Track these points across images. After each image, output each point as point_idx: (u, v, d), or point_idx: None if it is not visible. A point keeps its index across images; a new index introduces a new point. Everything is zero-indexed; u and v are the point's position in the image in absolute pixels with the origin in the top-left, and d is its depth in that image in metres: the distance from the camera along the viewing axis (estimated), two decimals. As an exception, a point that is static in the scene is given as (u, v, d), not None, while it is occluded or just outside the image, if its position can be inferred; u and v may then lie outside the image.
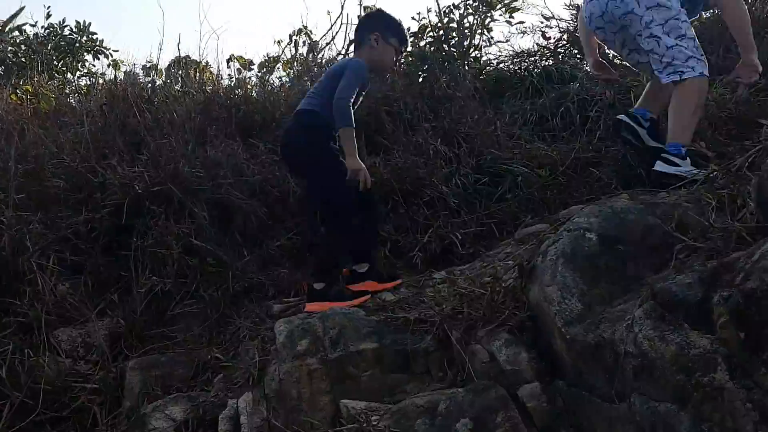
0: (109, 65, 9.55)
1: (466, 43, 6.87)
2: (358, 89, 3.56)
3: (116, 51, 9.68)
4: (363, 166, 3.46)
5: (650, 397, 1.84)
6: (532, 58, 6.94)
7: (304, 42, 8.59)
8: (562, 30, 7.23)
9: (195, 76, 7.30)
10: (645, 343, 1.85)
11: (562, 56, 6.94)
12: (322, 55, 8.22)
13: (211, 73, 7.61)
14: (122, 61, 9.19)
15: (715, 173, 2.87)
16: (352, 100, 3.47)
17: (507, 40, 7.48)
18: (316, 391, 2.61)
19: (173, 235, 3.81)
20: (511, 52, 7.12)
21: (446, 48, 6.78)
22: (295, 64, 8.23)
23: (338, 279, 3.51)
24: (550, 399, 2.24)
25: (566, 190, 4.15)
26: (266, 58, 8.53)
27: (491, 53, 7.16)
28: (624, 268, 2.45)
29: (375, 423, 2.27)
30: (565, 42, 7.14)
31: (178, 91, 5.80)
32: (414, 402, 2.32)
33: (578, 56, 6.94)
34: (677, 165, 3.33)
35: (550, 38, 7.18)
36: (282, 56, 8.42)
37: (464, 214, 4.10)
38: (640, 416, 1.86)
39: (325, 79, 3.70)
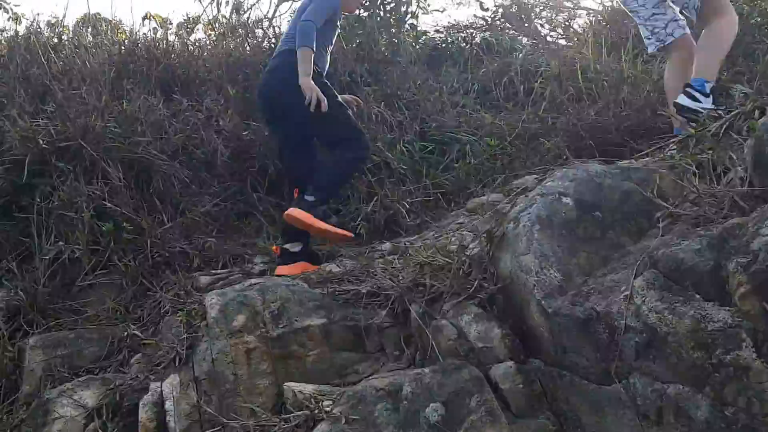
0: (9, 19, 8.65)
1: (402, 9, 6.57)
2: (327, 18, 3.39)
3: (17, 5, 8.76)
4: (315, 86, 3.23)
5: (657, 377, 1.61)
6: (470, 30, 6.73)
7: (227, 1, 8.06)
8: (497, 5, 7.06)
9: (107, 33, 6.67)
10: (651, 316, 1.62)
11: (500, 28, 6.75)
12: (248, 16, 7.72)
13: (124, 31, 7.00)
14: (24, 15, 8.33)
15: (690, 137, 2.69)
16: (319, 24, 3.29)
17: (443, 10, 7.27)
18: (256, 373, 2.27)
19: (83, 196, 3.33)
20: (448, 24, 6.91)
21: (382, 14, 6.45)
22: (216, 25, 7.69)
23: (330, 197, 3.35)
24: (527, 380, 1.99)
25: (516, 160, 3.94)
26: (186, 17, 7.92)
27: (427, 22, 6.92)
28: (603, 236, 2.23)
29: (328, 409, 1.95)
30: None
31: (90, 41, 5.20)
32: (372, 384, 2.02)
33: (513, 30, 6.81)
34: (698, 101, 3.11)
35: (487, 9, 6.98)
36: (203, 16, 7.85)
37: (410, 183, 3.81)
38: (642, 399, 1.64)
39: (298, 15, 3.43)
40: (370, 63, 5.16)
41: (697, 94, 3.11)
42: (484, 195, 3.55)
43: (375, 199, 3.67)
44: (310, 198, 3.17)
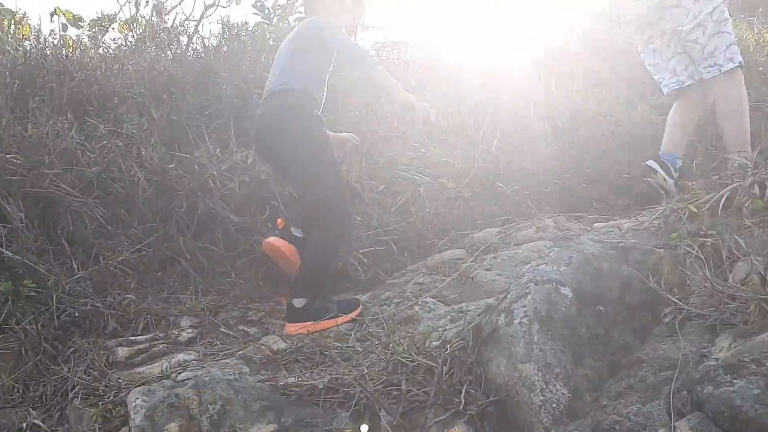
0: None
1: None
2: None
3: None
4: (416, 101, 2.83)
5: None
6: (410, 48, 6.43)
7: (147, 1, 7.43)
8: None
9: (9, 28, 5.95)
10: (709, 482, 1.32)
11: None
12: (172, 18, 7.13)
13: (29, 26, 6.28)
14: None
15: (682, 209, 2.45)
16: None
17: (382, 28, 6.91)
18: (192, 501, 1.84)
19: (-28, 243, 2.77)
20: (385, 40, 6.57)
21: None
22: (135, 25, 7.05)
23: (323, 292, 2.82)
24: None
25: (474, 208, 3.63)
26: (100, 15, 7.24)
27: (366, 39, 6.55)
28: (607, 335, 1.95)
29: None
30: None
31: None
32: None
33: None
34: None
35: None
36: (119, 15, 7.20)
37: (359, 229, 3.43)
38: None
39: (290, 47, 2.99)
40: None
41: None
42: (443, 248, 3.22)
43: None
44: (299, 304, 2.74)
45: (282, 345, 2.53)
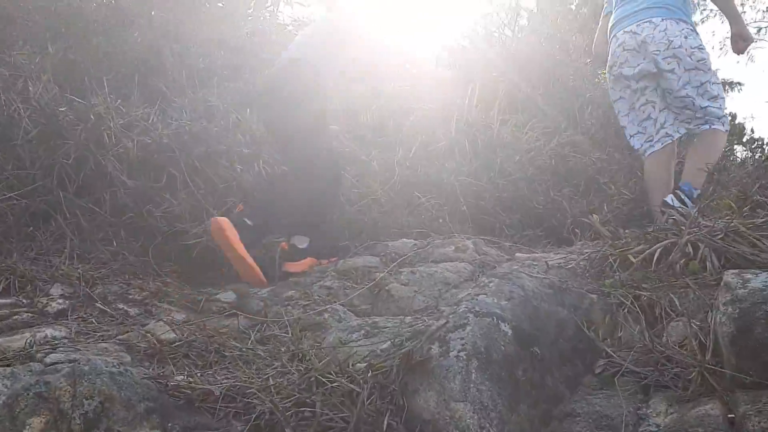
0: None
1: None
2: None
3: None
4: None
5: None
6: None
7: None
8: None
9: None
10: None
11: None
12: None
13: None
14: None
15: (614, 255, 2.40)
16: None
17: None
18: None
19: None
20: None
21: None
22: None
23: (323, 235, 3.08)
24: None
25: (389, 216, 3.45)
26: None
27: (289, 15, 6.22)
28: (542, 381, 1.83)
29: None
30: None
31: None
32: None
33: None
34: (686, 205, 3.16)
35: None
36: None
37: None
38: None
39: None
40: (227, 50, 4.40)
41: (686, 199, 3.20)
42: (356, 253, 3.02)
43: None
44: (302, 244, 3.00)
45: (171, 335, 2.22)
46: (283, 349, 2.08)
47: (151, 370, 1.98)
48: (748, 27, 3.75)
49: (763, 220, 2.35)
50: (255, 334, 2.31)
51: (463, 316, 1.85)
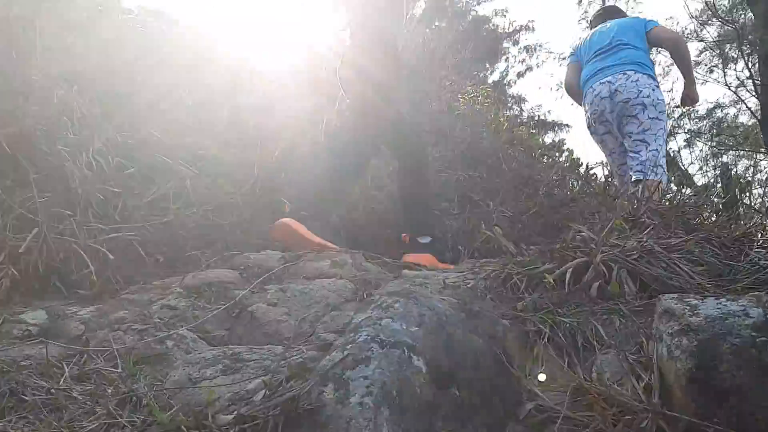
0: None
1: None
2: None
3: None
4: None
5: None
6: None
7: None
8: None
9: None
10: None
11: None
12: None
13: None
14: None
15: (520, 275, 2.07)
16: None
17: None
18: None
19: None
20: None
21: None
22: None
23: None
24: None
25: (247, 221, 2.93)
26: None
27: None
28: (462, 429, 1.42)
29: None
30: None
31: None
32: None
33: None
34: None
35: None
36: None
37: (95, 217, 2.51)
38: None
39: None
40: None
41: None
42: (209, 265, 2.47)
43: (35, 230, 2.29)
44: (424, 240, 3.05)
45: None
46: (110, 391, 1.50)
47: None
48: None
49: (679, 240, 2.13)
50: (71, 368, 1.70)
51: (365, 347, 1.40)
